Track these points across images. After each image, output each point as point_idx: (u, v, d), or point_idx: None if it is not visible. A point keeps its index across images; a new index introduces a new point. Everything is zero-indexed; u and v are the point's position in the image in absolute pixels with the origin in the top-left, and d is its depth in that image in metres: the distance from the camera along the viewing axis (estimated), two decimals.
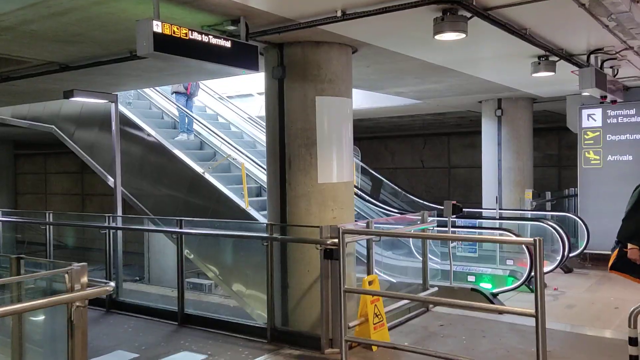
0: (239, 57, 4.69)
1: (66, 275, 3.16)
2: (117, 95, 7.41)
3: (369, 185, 13.31)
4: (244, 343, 5.41)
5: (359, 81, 8.09)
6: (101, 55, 6.09)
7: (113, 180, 8.52)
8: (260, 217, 8.54)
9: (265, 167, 9.40)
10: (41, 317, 4.43)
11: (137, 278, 14.59)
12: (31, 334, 4.14)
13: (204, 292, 12.04)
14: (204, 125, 10.49)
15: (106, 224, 7.07)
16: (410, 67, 7.29)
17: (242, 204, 8.71)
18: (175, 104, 10.62)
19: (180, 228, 6.32)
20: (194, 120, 10.46)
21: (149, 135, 9.81)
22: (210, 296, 11.96)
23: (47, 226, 7.60)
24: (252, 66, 4.83)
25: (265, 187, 9.33)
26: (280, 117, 5.75)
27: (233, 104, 11.83)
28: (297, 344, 5.21)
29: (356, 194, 10.30)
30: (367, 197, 11.35)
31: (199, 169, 9.20)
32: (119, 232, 7.22)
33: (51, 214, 7.63)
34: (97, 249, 11.57)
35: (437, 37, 4.83)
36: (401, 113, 13.27)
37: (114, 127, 7.23)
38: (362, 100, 11.02)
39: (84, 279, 3.22)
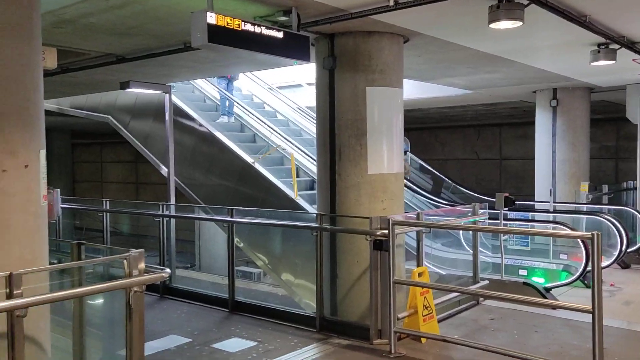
0: (291, 48, 4.70)
1: (125, 261, 3.28)
2: (170, 86, 7.58)
3: (430, 184, 13.10)
4: (293, 331, 5.48)
5: (409, 71, 7.96)
6: (156, 47, 6.24)
7: (166, 169, 8.74)
8: (309, 208, 8.59)
9: (313, 156, 9.49)
10: (99, 301, 4.60)
11: (189, 265, 14.96)
12: (90, 318, 4.32)
13: (252, 281, 12.23)
14: (246, 109, 10.72)
15: (160, 212, 7.28)
16: (463, 57, 7.13)
17: (292, 193, 8.78)
18: (217, 88, 10.88)
19: (232, 217, 6.44)
20: (235, 103, 10.72)
21: (200, 125, 10.01)
22: (259, 284, 12.14)
23: (104, 213, 7.89)
24: (304, 57, 4.83)
25: (314, 177, 9.42)
26: (330, 107, 5.74)
27: (282, 94, 11.92)
28: (346, 333, 5.23)
29: (405, 185, 10.20)
30: (416, 188, 11.22)
31: (248, 158, 9.33)
32: (172, 220, 7.42)
33: (108, 202, 7.92)
34: (151, 236, 11.94)
35: (492, 25, 4.70)
36: (452, 103, 13.02)
37: (167, 117, 7.40)
38: (412, 90, 10.87)
39: (142, 265, 3.33)
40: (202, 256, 14.98)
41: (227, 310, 6.30)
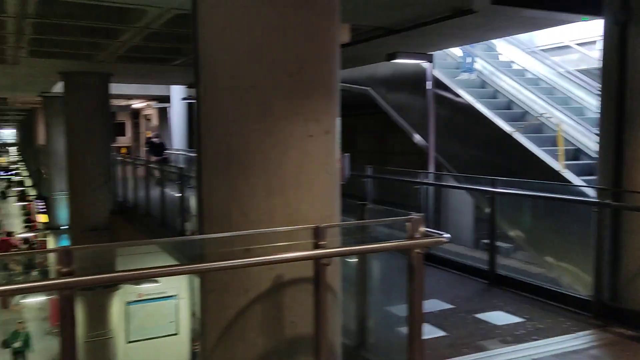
0: (580, 2, 4.26)
1: (408, 224, 3.44)
2: (432, 55, 7.60)
3: None
4: (564, 313, 5.12)
5: None
6: (423, 16, 6.30)
7: (419, 137, 8.89)
8: (577, 181, 7.85)
9: (583, 126, 8.61)
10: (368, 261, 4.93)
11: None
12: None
13: (502, 255, 11.78)
14: (491, 67, 10.24)
15: (419, 180, 7.47)
16: None
17: (555, 166, 8.12)
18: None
19: (493, 187, 6.25)
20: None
21: (456, 95, 9.87)
22: (508, 260, 11.65)
23: (368, 179, 8.42)
24: (595, 11, 4.34)
25: (582, 148, 8.55)
26: (619, 68, 5.05)
27: (545, 57, 11.00)
28: (629, 323, 4.67)
29: None
30: None
31: (507, 128, 8.89)
32: (430, 189, 7.55)
33: (371, 169, 8.42)
34: (401, 203, 12.39)
35: None
36: None
37: (429, 86, 7.47)
38: None
39: (422, 229, 3.45)
40: (448, 226, 14.98)
41: (486, 282, 6.20)
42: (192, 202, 8.18)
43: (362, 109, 21.20)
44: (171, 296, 13.84)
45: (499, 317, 5.13)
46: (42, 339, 15.69)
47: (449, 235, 3.66)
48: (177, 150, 18.20)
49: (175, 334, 14.04)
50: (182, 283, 13.82)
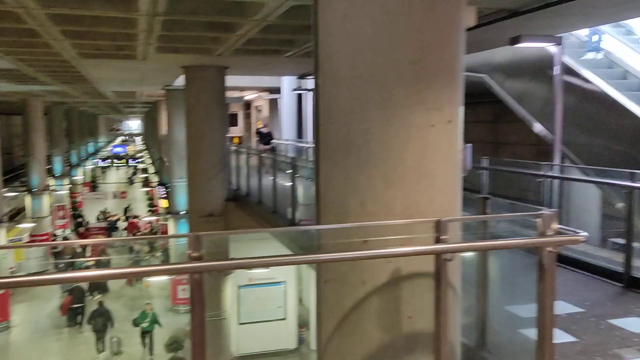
0: None
1: (538, 220, 3.18)
2: (561, 37, 7.01)
3: None
4: None
5: None
6: None
7: (540, 127, 8.25)
8: None
9: None
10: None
11: None
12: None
13: (635, 256, 10.74)
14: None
15: (543, 173, 6.98)
16: None
17: None
18: None
19: (633, 182, 5.68)
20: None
21: (582, 78, 9.07)
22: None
23: (482, 171, 8.01)
24: None
25: None
26: None
27: None
28: None
29: None
30: None
31: None
32: (555, 182, 7.02)
33: (487, 160, 8.00)
34: (519, 197, 11.70)
35: None
36: None
37: (557, 72, 6.92)
38: None
39: (555, 226, 3.17)
40: (570, 223, 13.96)
41: (621, 285, 5.66)
42: (301, 191, 8.30)
43: (474, 97, 20.32)
44: (279, 282, 14.27)
45: (637, 324, 4.65)
46: (164, 316, 16.91)
47: (586, 234, 3.33)
48: (287, 140, 18.63)
49: (283, 319, 14.50)
50: (289, 270, 14.19)
